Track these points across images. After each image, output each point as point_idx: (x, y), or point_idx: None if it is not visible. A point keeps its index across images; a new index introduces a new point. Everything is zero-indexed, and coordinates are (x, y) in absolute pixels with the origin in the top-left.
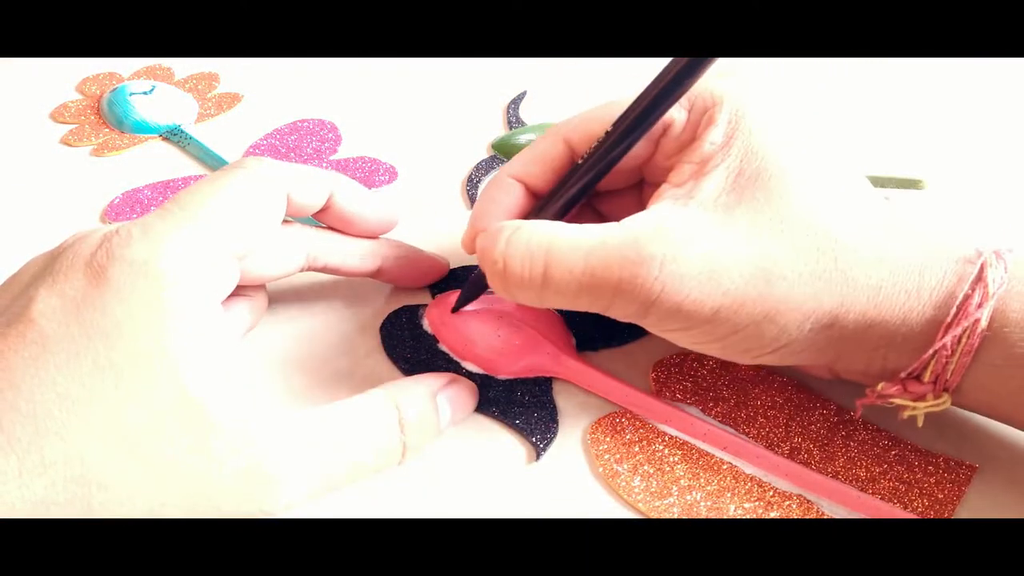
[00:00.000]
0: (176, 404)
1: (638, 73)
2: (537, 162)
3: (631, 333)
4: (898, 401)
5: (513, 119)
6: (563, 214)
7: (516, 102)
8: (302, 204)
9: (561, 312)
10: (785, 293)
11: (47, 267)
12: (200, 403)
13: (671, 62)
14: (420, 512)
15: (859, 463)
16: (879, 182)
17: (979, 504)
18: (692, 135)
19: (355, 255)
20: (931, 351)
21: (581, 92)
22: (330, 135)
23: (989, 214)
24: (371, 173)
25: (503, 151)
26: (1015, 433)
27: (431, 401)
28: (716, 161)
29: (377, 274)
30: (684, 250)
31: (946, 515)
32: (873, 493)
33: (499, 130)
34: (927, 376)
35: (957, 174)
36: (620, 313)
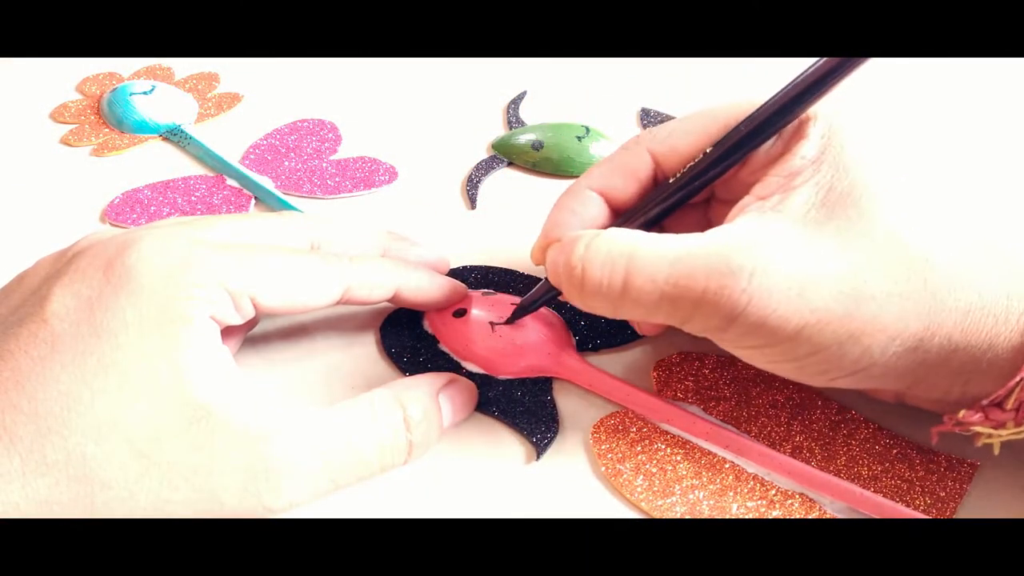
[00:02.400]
0: (179, 402)
1: (638, 73)
2: (619, 174)
3: (632, 333)
4: (977, 429)
5: (513, 119)
6: (646, 230)
7: (516, 102)
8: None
9: (561, 312)
10: (872, 313)
11: (62, 267)
12: (203, 401)
13: (800, 77)
14: (420, 512)
15: (861, 461)
16: None
17: (980, 503)
18: (783, 149)
19: (383, 292)
20: (1017, 378)
21: (581, 92)
22: (330, 135)
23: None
24: (371, 173)
25: (503, 151)
26: None
27: (435, 399)
28: (806, 176)
29: (394, 301)
30: (773, 263)
31: (948, 513)
32: (875, 491)
33: (499, 130)
34: (1010, 403)
35: (956, 174)
36: (699, 326)
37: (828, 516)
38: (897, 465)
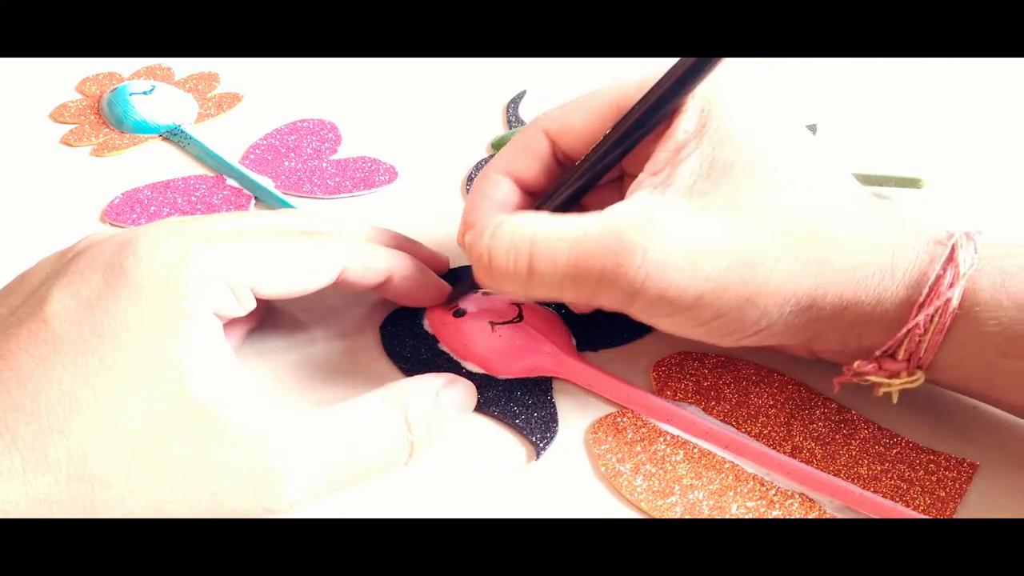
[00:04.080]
0: (180, 403)
1: (638, 73)
2: (521, 155)
3: (631, 333)
4: (873, 378)
5: (512, 118)
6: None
7: (516, 101)
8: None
9: (561, 312)
10: (765, 277)
11: (61, 268)
12: (204, 400)
13: (677, 63)
14: (420, 512)
15: (860, 461)
16: (878, 180)
17: (979, 504)
18: (667, 124)
19: (376, 275)
20: (904, 330)
21: (581, 92)
22: (330, 135)
23: (988, 212)
24: (371, 173)
25: None
26: (1015, 433)
27: (435, 400)
28: (690, 149)
29: (381, 289)
30: (665, 238)
31: (947, 514)
32: (875, 491)
33: (499, 129)
34: (901, 354)
35: (956, 173)
36: (605, 302)
37: (828, 516)
38: (897, 465)
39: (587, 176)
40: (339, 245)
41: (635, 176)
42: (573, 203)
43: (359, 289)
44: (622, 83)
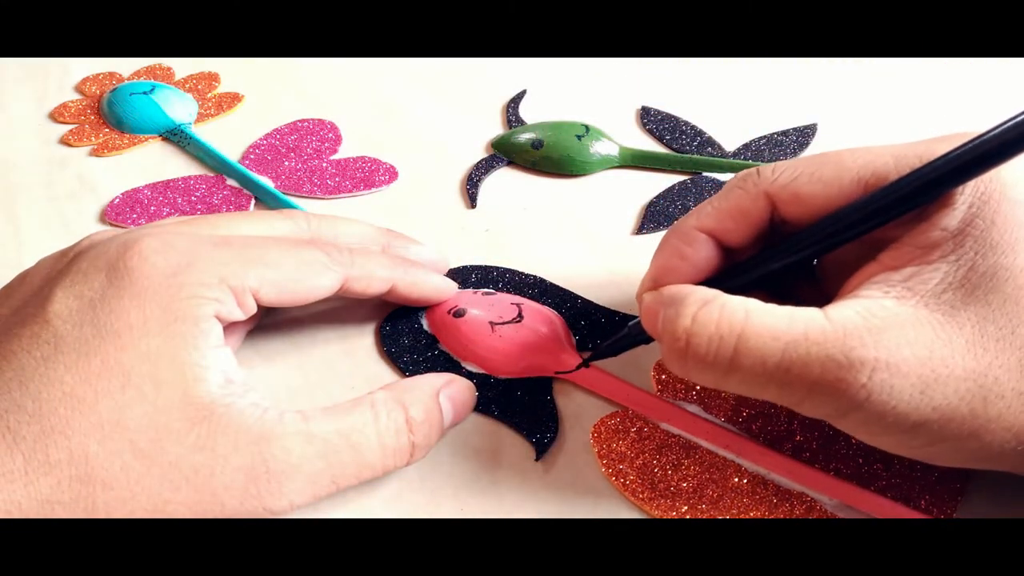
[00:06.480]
0: (181, 404)
1: (638, 72)
2: (732, 217)
3: None
4: None
5: (512, 118)
6: (761, 284)
7: (516, 101)
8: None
9: (562, 312)
10: (999, 412)
11: (63, 268)
12: (206, 401)
13: (970, 142)
14: (420, 512)
15: (861, 461)
16: None
17: (980, 503)
18: (920, 214)
19: (380, 285)
20: None
21: (581, 91)
22: (330, 135)
23: None
24: (371, 173)
25: (503, 150)
26: None
27: (436, 400)
28: (946, 250)
29: (386, 296)
30: (898, 356)
31: (948, 513)
32: (875, 491)
33: (498, 129)
34: None
35: None
36: (809, 410)
37: (828, 516)
38: (897, 464)
39: (812, 250)
40: (343, 256)
41: (836, 262)
42: (773, 278)
43: (362, 297)
44: (870, 153)
